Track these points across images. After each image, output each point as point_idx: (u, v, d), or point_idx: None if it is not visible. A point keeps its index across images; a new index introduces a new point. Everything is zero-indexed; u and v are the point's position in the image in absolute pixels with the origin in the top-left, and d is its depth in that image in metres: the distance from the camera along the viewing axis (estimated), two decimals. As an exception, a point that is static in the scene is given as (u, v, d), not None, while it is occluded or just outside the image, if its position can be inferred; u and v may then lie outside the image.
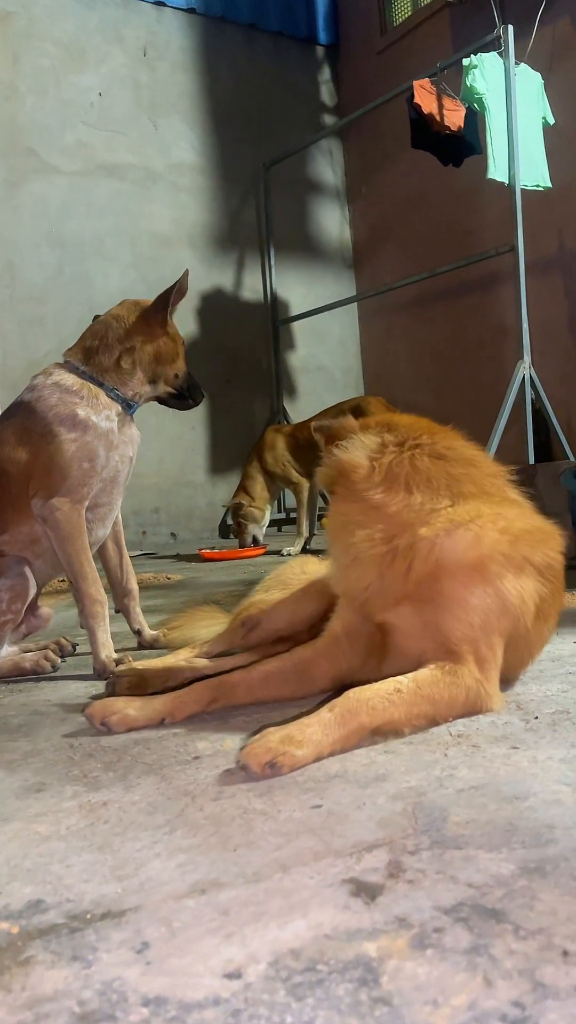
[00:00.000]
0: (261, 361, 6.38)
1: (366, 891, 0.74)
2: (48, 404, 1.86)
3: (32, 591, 1.89)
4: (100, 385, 1.95)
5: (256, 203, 6.38)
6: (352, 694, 1.14)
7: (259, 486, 4.47)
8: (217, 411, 6.09)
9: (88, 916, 0.74)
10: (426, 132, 4.78)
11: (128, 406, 2.00)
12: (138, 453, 2.09)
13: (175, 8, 6.05)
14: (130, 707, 1.32)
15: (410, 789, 0.98)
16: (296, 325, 6.50)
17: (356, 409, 4.17)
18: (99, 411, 1.89)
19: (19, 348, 5.26)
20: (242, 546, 4.55)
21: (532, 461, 4.47)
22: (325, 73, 6.86)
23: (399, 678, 1.19)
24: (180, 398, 2.15)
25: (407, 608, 1.28)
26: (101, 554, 2.10)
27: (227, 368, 6.17)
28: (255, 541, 4.56)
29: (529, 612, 1.28)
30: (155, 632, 2.10)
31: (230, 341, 6.19)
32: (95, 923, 0.73)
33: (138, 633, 2.10)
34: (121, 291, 5.64)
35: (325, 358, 6.75)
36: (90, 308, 5.61)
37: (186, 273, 2.08)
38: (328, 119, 6.80)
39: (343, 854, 0.82)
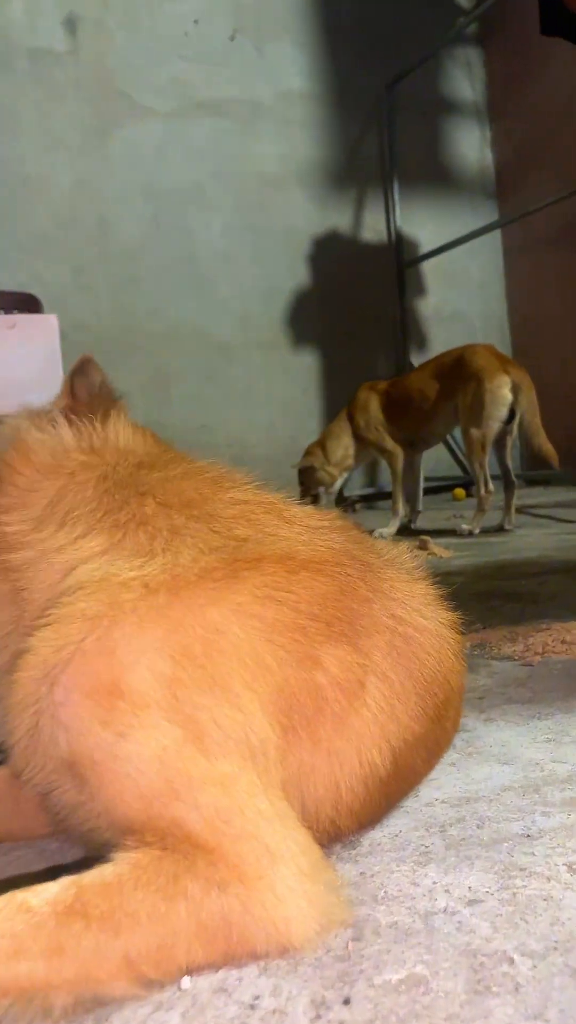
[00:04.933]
0: (386, 310, 5.67)
1: None
2: None
3: None
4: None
5: (378, 130, 5.63)
6: None
7: (342, 449, 3.84)
8: (333, 370, 5.48)
9: None
10: (560, 12, 3.85)
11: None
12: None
13: None
14: None
15: None
16: (426, 266, 5.72)
17: (459, 360, 3.44)
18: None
19: (114, 310, 4.90)
20: None
21: None
22: (462, -30, 5.92)
23: (56, 890, 0.60)
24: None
25: (60, 776, 0.68)
26: None
27: (346, 320, 5.53)
28: (315, 500, 3.94)
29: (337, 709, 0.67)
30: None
31: (349, 289, 5.53)
32: None
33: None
34: (225, 242, 5.15)
35: (462, 303, 5.93)
36: (191, 262, 5.19)
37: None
38: (463, 23, 5.87)
39: None
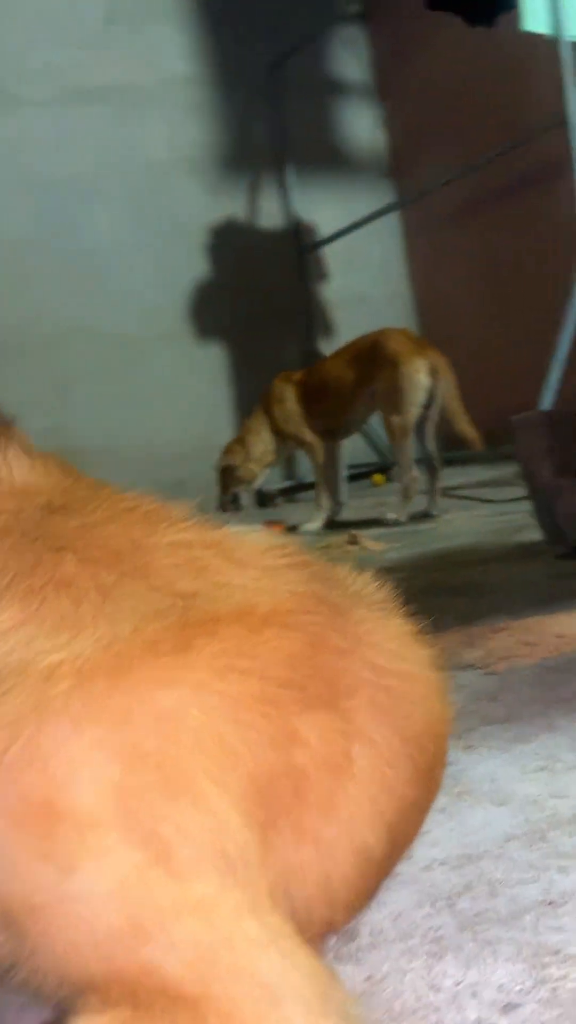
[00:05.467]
0: (288, 297, 5.55)
1: None
2: None
3: None
4: None
5: (267, 113, 5.49)
6: None
7: (262, 444, 3.71)
8: (242, 361, 5.34)
9: None
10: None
11: None
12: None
13: None
14: None
15: None
16: (328, 250, 5.62)
17: (374, 345, 3.36)
18: None
19: (0, 313, 4.63)
20: (222, 509, 3.83)
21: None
22: (339, -53, 5.83)
23: None
24: None
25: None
26: None
27: (251, 309, 5.39)
28: (236, 504, 3.83)
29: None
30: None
31: (251, 278, 5.39)
32: None
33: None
34: (117, 235, 4.93)
35: (366, 286, 5.86)
36: (82, 258, 4.95)
37: None
38: (346, 1, 5.78)
39: None
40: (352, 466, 5.27)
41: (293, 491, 5.42)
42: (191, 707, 0.53)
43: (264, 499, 5.17)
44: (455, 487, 4.26)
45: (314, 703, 0.59)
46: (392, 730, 0.65)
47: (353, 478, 5.51)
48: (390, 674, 0.67)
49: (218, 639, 0.56)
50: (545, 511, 2.04)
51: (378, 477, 5.47)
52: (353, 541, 2.73)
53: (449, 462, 4.22)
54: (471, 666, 1.24)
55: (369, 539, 2.74)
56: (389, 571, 2.10)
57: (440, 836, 0.79)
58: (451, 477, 4.39)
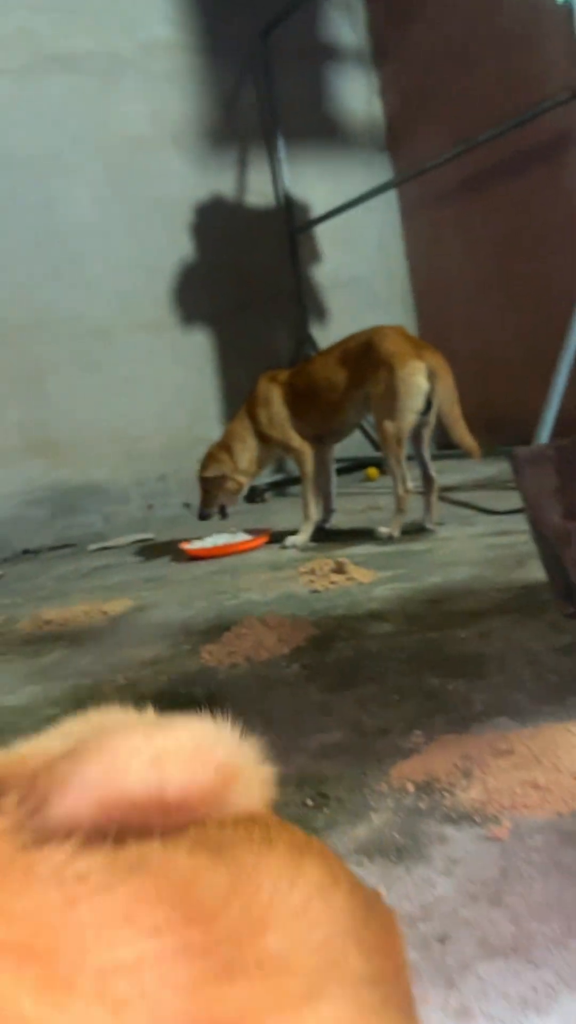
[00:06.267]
0: (279, 279, 5.24)
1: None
2: None
3: None
4: None
5: (255, 82, 5.14)
6: None
7: (248, 452, 3.42)
8: (229, 347, 5.04)
9: None
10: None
11: None
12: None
13: None
14: None
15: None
16: (320, 230, 5.30)
17: (367, 345, 3.07)
18: None
19: (-29, 300, 4.32)
20: (202, 517, 3.56)
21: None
22: None
23: None
24: None
25: None
26: None
27: (238, 293, 5.09)
28: (222, 512, 3.56)
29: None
30: None
31: (239, 259, 5.08)
32: None
33: None
34: (94, 214, 4.61)
35: (361, 267, 5.54)
36: (57, 240, 4.63)
37: None
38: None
39: None
40: (346, 459, 5.01)
41: (283, 485, 5.16)
42: None
43: (252, 494, 4.91)
44: (452, 488, 4.00)
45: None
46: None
47: (347, 470, 5.26)
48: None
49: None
50: (552, 560, 1.78)
51: (372, 470, 5.21)
52: (340, 570, 2.48)
53: (444, 457, 3.96)
54: (467, 816, 0.98)
55: (358, 568, 2.48)
56: (373, 618, 1.84)
57: None
58: (447, 474, 4.13)
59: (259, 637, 1.88)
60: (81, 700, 1.73)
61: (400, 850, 0.93)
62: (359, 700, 1.44)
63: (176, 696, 1.65)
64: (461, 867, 0.88)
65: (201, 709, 1.52)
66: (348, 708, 1.41)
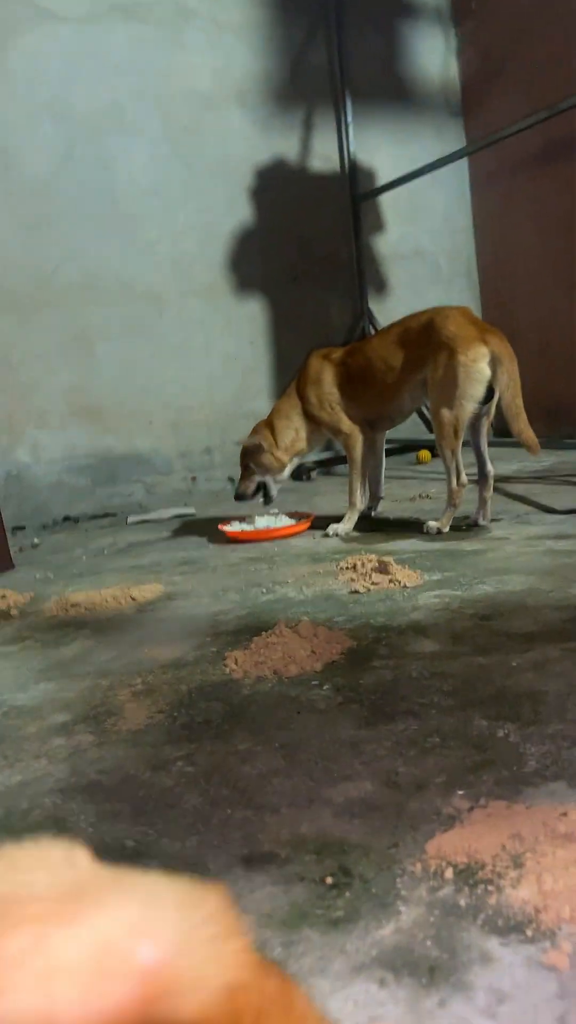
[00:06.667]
0: (339, 249, 5.02)
1: None
2: None
3: None
4: None
5: (327, 38, 4.87)
6: None
7: (292, 431, 3.24)
8: (282, 319, 4.85)
9: None
10: None
11: None
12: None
13: None
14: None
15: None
16: (384, 199, 5.06)
17: (428, 326, 2.86)
18: None
19: (22, 259, 4.19)
20: (239, 498, 3.37)
21: None
22: None
23: None
24: None
25: None
26: None
27: (294, 261, 4.88)
28: (266, 496, 3.36)
29: None
30: None
31: (297, 227, 4.87)
32: None
33: None
34: (152, 174, 4.43)
35: (424, 239, 5.29)
36: (112, 199, 4.47)
37: None
38: None
39: None
40: (398, 440, 4.81)
41: (330, 463, 4.99)
42: None
43: (298, 472, 4.74)
44: (507, 478, 3.80)
45: None
46: None
47: (399, 451, 5.05)
48: None
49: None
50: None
51: (424, 453, 5.01)
52: (383, 569, 2.31)
53: (497, 444, 3.74)
54: (518, 927, 0.82)
55: (403, 569, 2.31)
56: (414, 632, 1.67)
57: None
58: (501, 463, 3.90)
59: (290, 648, 1.73)
60: (94, 706, 1.60)
61: (433, 969, 0.77)
62: (396, 741, 1.28)
63: (193, 711, 1.51)
64: (508, 1007, 0.72)
65: (215, 731, 1.37)
66: (382, 751, 1.25)
